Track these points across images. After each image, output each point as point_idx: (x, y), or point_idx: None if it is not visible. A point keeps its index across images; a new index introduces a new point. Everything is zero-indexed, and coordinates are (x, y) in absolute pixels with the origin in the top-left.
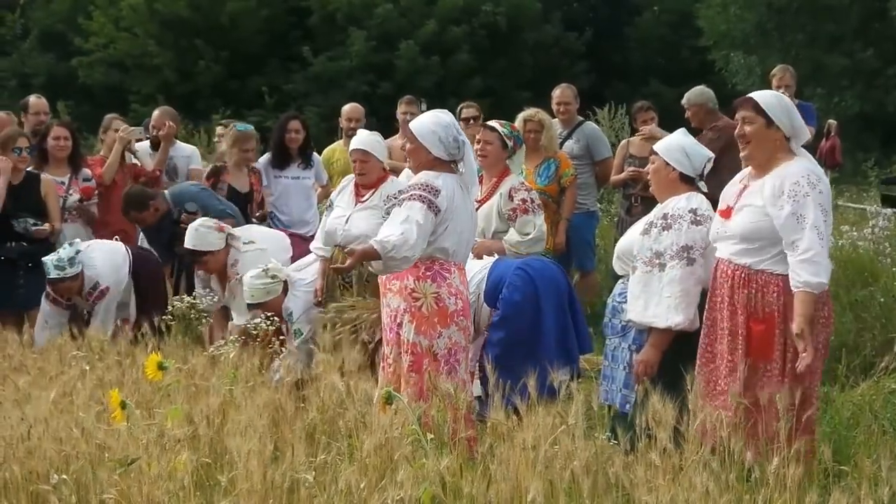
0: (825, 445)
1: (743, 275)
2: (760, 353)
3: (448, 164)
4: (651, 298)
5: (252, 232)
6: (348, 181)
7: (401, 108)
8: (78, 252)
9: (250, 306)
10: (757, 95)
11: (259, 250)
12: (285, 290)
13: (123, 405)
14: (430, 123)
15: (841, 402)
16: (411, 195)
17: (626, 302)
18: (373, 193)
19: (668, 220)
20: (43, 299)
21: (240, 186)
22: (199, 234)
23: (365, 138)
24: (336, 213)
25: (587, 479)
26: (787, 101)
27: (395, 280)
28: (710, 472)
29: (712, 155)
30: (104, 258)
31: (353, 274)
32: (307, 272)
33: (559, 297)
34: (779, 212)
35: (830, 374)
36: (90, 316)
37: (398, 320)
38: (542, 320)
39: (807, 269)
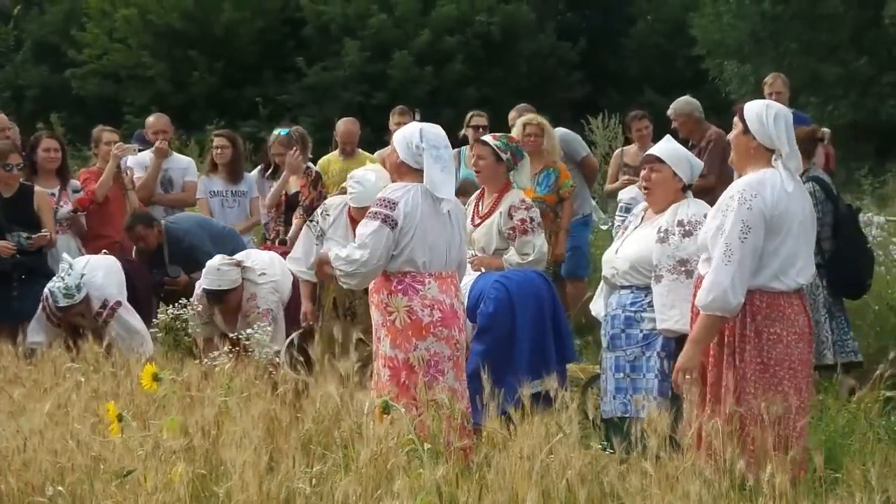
0: (819, 453)
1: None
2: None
3: (418, 173)
4: (685, 306)
5: (257, 260)
6: (339, 212)
7: (393, 119)
8: (82, 276)
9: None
10: (748, 103)
11: (272, 282)
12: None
13: (120, 418)
14: (405, 128)
15: (836, 409)
16: (369, 212)
17: (643, 311)
18: None
19: (687, 227)
20: (39, 310)
21: (288, 188)
22: (221, 272)
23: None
24: (337, 248)
25: (582, 488)
26: (773, 114)
27: (375, 294)
28: (704, 480)
29: (701, 164)
30: (106, 274)
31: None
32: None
33: (538, 308)
34: (711, 224)
35: (825, 382)
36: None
37: (377, 334)
38: (517, 331)
39: (703, 286)
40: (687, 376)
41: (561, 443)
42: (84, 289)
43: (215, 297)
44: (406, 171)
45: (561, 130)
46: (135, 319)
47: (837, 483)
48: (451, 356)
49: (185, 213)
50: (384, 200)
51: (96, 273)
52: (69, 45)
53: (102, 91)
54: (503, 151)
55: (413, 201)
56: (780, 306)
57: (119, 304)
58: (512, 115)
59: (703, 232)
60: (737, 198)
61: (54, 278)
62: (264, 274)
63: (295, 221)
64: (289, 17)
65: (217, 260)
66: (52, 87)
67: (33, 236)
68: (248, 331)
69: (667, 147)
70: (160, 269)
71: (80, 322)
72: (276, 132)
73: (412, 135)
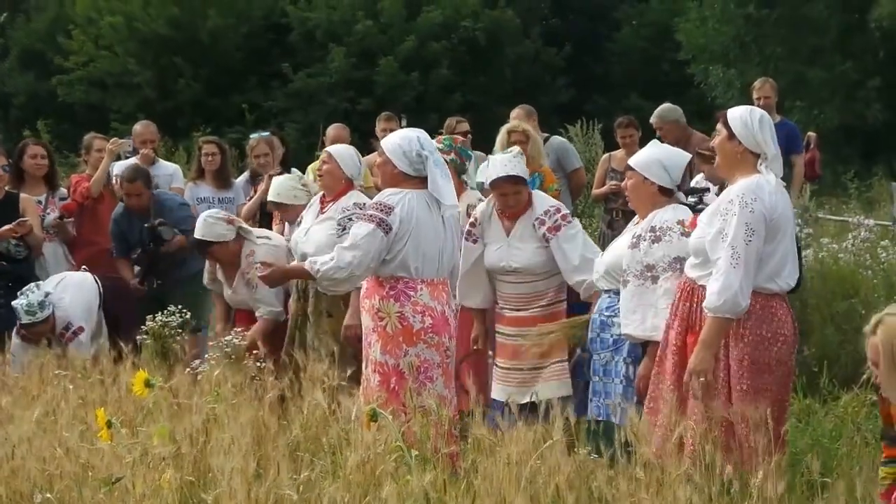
0: (815, 458)
1: (688, 288)
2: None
3: (416, 180)
4: (647, 312)
5: (263, 232)
6: (315, 199)
7: (380, 126)
8: (47, 294)
9: (272, 203)
10: (731, 109)
11: (274, 246)
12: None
13: (110, 424)
14: (396, 138)
15: (823, 413)
16: (363, 214)
17: (615, 316)
18: (332, 205)
19: (657, 233)
20: (14, 334)
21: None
22: (207, 224)
23: (336, 146)
24: (301, 227)
25: (571, 494)
26: (757, 118)
27: (366, 299)
28: (692, 485)
29: (688, 157)
30: (75, 296)
31: (311, 287)
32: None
33: None
34: (710, 229)
35: (812, 386)
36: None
37: (368, 339)
38: None
39: (710, 289)
40: (701, 379)
41: (549, 449)
42: (48, 307)
43: (198, 246)
44: (402, 179)
45: (557, 139)
46: (84, 352)
47: (825, 487)
48: (440, 363)
49: (172, 193)
50: (380, 204)
51: (64, 295)
52: (55, 53)
53: (89, 98)
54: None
55: (409, 207)
56: (773, 308)
57: (81, 329)
58: (514, 113)
59: (695, 236)
60: (737, 202)
61: (21, 297)
62: (268, 238)
63: (275, 227)
64: (274, 24)
65: (208, 211)
66: (39, 95)
67: (14, 224)
68: (227, 338)
69: (641, 152)
70: (148, 230)
71: (44, 339)
72: (255, 135)
73: (410, 143)
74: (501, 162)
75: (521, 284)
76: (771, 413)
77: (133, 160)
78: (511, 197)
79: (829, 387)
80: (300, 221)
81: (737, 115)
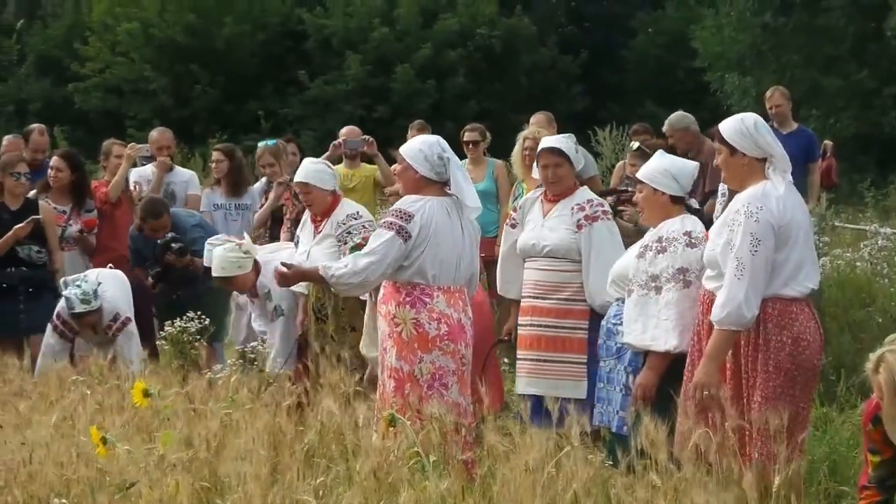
0: (828, 466)
1: (708, 300)
2: None
3: (438, 186)
4: (649, 321)
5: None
6: (307, 215)
7: (411, 133)
8: (99, 283)
9: (218, 279)
10: (722, 124)
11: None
12: (256, 271)
13: (104, 441)
14: (416, 143)
15: (840, 422)
16: (383, 222)
17: (621, 324)
18: (325, 222)
19: (663, 244)
20: (50, 330)
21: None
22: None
23: (304, 169)
24: (300, 248)
25: (588, 500)
26: (751, 124)
27: (383, 304)
28: (710, 492)
29: (696, 165)
30: (116, 288)
31: (328, 305)
32: (280, 255)
33: None
34: (719, 240)
35: (829, 394)
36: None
37: (384, 345)
38: None
39: (716, 301)
40: (706, 392)
41: (567, 455)
42: (100, 297)
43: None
44: (424, 184)
45: None
46: (136, 341)
47: (843, 496)
48: (455, 370)
49: (184, 212)
50: (400, 212)
51: (107, 285)
52: (72, 59)
53: (105, 105)
54: None
55: (429, 214)
56: (792, 313)
57: (129, 320)
58: (535, 119)
59: (708, 249)
60: (743, 212)
61: (70, 287)
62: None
63: (283, 236)
64: (290, 31)
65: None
66: (55, 101)
67: (25, 222)
68: (252, 344)
69: (648, 164)
70: (161, 247)
71: (88, 336)
72: (262, 143)
73: (431, 147)
74: (551, 137)
75: (545, 272)
76: (793, 419)
77: (149, 167)
78: (551, 170)
79: (846, 395)
80: (297, 240)
81: (730, 127)
